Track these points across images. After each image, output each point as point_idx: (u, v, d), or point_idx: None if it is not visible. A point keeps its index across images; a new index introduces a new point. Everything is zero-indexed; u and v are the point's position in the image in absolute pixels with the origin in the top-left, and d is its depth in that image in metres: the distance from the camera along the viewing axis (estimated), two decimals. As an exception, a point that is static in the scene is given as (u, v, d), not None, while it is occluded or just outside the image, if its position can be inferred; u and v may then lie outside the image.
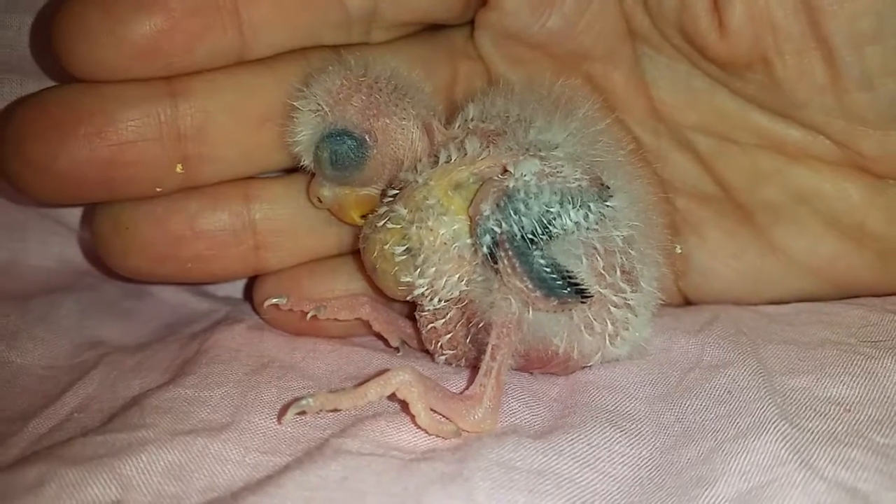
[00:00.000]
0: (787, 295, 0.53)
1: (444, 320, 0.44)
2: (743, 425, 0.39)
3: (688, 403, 0.42)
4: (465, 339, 0.45)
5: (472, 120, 0.45)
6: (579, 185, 0.41)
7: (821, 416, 0.40)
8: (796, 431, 0.39)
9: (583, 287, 0.41)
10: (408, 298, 0.45)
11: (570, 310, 0.42)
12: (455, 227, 0.42)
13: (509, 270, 0.40)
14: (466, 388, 0.43)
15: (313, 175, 0.48)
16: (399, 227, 0.43)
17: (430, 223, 0.42)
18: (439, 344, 0.46)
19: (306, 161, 0.47)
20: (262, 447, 0.40)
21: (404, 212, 0.43)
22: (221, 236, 0.50)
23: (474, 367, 0.45)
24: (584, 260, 0.41)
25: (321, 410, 0.40)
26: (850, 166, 0.50)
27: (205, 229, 0.50)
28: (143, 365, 0.50)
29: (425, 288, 0.43)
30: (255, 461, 0.39)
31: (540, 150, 0.42)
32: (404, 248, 0.43)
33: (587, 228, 0.40)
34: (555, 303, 0.41)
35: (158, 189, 0.48)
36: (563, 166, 0.41)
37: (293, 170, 0.50)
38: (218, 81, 0.48)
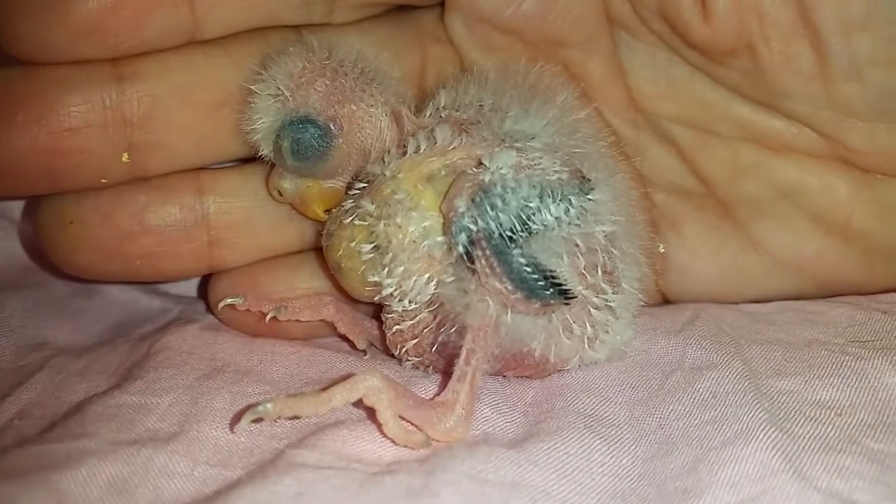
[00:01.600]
0: (768, 293, 0.51)
1: (411, 323, 0.41)
2: (730, 432, 0.37)
3: (670, 408, 0.40)
4: (430, 346, 0.42)
5: (443, 108, 0.42)
6: (559, 178, 0.38)
7: (811, 420, 0.38)
8: (787, 438, 0.36)
9: (566, 288, 0.38)
10: (375, 300, 0.42)
11: (552, 312, 0.39)
12: (425, 223, 0.39)
13: (487, 271, 0.37)
14: (438, 393, 0.40)
15: (272, 166, 0.45)
16: (366, 223, 0.40)
17: (398, 219, 0.39)
18: (404, 349, 0.43)
19: (265, 151, 0.44)
20: (211, 459, 0.37)
21: (371, 207, 0.40)
22: (172, 232, 0.47)
23: (446, 373, 0.42)
24: (566, 258, 0.38)
25: (279, 418, 0.37)
26: (836, 160, 0.48)
27: (154, 224, 0.46)
28: (91, 368, 0.47)
29: (393, 288, 0.40)
30: (204, 475, 0.36)
31: (516, 141, 0.39)
32: (371, 245, 0.40)
33: (568, 224, 0.38)
34: (537, 305, 0.38)
35: (104, 180, 0.45)
36: (540, 158, 0.38)
37: (250, 159, 0.47)
38: (168, 63, 0.44)
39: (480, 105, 0.42)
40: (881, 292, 0.51)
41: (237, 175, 0.48)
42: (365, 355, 0.47)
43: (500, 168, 0.38)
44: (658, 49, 0.48)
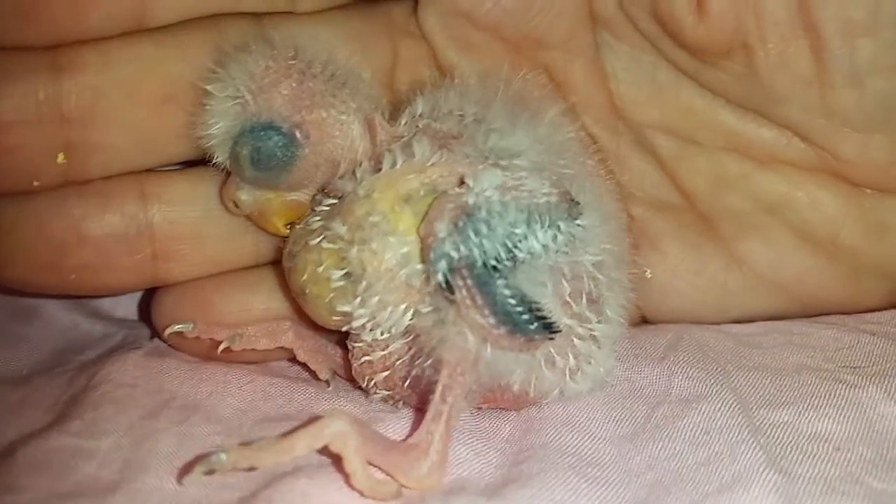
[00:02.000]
0: (751, 312, 0.49)
1: (382, 354, 0.38)
2: (727, 475, 0.34)
3: (660, 447, 0.37)
4: (402, 380, 0.38)
5: (420, 116, 0.39)
6: (548, 201, 0.35)
7: (810, 458, 0.36)
8: (787, 481, 0.34)
9: (551, 321, 0.34)
10: (343, 329, 0.39)
11: (536, 348, 0.35)
12: (403, 250, 0.36)
13: (468, 303, 0.34)
14: (409, 433, 0.37)
15: (228, 174, 0.41)
16: (336, 247, 0.36)
17: (373, 245, 0.35)
18: (373, 381, 0.39)
19: (220, 158, 0.40)
20: (155, 515, 0.33)
21: (343, 229, 0.36)
22: (111, 243, 0.42)
23: (418, 409, 0.39)
24: (550, 287, 0.35)
25: (234, 469, 0.33)
26: (825, 173, 0.45)
27: (92, 235, 0.42)
28: (26, 402, 0.43)
29: (366, 319, 0.36)
30: (148, 535, 0.32)
31: (501, 159, 0.36)
32: (342, 272, 0.36)
33: (556, 251, 0.35)
34: (521, 340, 0.34)
35: (36, 183, 0.41)
36: (526, 178, 0.35)
37: (199, 161, 0.43)
38: (111, 53, 0.40)
39: (461, 115, 0.38)
40: (865, 311, 0.49)
41: (185, 180, 0.44)
42: (328, 386, 0.43)
43: (485, 189, 0.34)
44: (642, 51, 0.45)
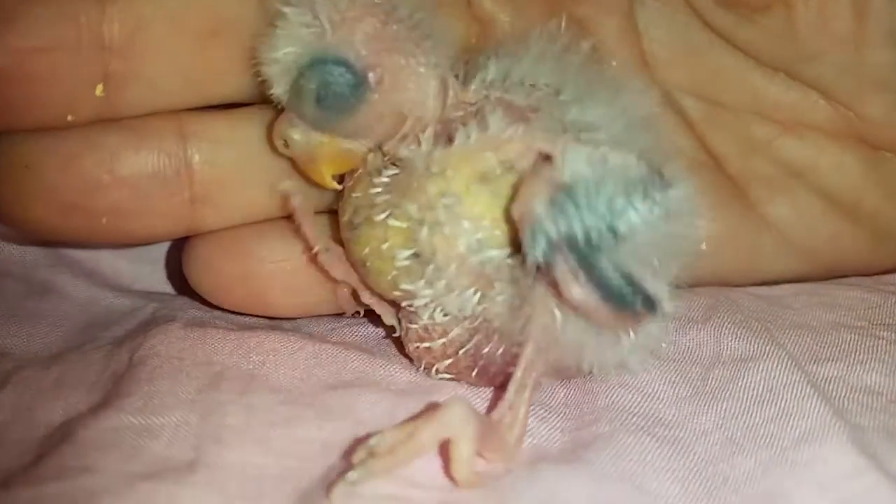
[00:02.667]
0: (777, 276, 0.50)
1: (443, 341, 0.37)
2: (799, 430, 0.35)
3: (724, 406, 0.38)
4: (470, 370, 0.37)
5: (493, 84, 0.37)
6: (640, 174, 0.33)
7: (870, 409, 0.37)
8: (857, 431, 0.35)
9: (654, 298, 0.34)
10: (402, 305, 0.38)
11: (640, 324, 0.34)
12: (478, 235, 0.34)
13: (570, 281, 0.32)
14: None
15: (281, 110, 0.38)
16: (404, 225, 0.35)
17: (446, 229, 0.34)
18: (434, 367, 0.38)
19: (278, 89, 0.36)
20: (245, 493, 0.32)
21: (413, 208, 0.35)
22: (147, 183, 0.40)
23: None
24: (651, 261, 0.34)
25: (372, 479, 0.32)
26: (849, 137, 0.46)
27: (126, 173, 0.39)
28: (64, 382, 0.41)
29: (429, 300, 0.36)
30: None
31: (580, 132, 0.35)
32: (410, 251, 0.35)
33: (652, 225, 0.33)
34: (626, 317, 0.33)
35: (70, 117, 0.38)
36: (609, 153, 0.33)
37: (238, 105, 0.41)
38: None
39: (533, 86, 0.37)
40: (883, 273, 0.50)
41: (226, 120, 0.42)
42: (394, 332, 0.41)
43: (576, 164, 0.33)
44: (676, 10, 0.46)
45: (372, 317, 0.43)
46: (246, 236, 0.43)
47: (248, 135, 0.41)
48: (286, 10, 0.35)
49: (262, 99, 0.39)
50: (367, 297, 0.41)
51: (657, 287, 0.34)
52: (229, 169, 0.41)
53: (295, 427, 0.36)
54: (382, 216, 0.35)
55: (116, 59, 0.37)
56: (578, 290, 0.32)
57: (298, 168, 0.39)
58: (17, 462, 0.35)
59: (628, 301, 0.33)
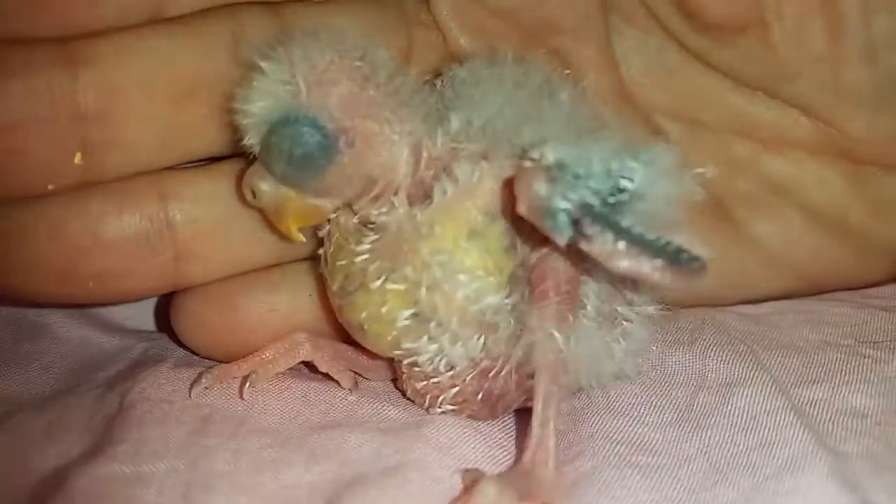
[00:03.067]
0: (764, 293, 0.50)
1: (450, 374, 0.37)
2: (781, 459, 0.35)
3: (709, 433, 0.38)
4: (475, 395, 0.38)
5: (455, 136, 0.37)
6: (620, 144, 0.33)
7: (854, 434, 0.37)
8: (839, 460, 0.35)
9: (694, 252, 0.32)
10: (404, 363, 0.38)
11: (700, 280, 0.32)
12: (475, 285, 0.35)
13: (613, 247, 0.30)
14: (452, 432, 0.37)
15: (252, 160, 0.38)
16: (402, 287, 0.35)
17: (445, 287, 0.35)
18: (440, 399, 0.38)
19: (251, 140, 0.36)
20: (231, 539, 0.33)
21: (409, 270, 0.35)
22: (131, 246, 0.41)
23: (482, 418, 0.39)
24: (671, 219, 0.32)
25: None
26: (831, 153, 0.47)
27: (111, 238, 0.40)
28: (55, 426, 0.41)
29: (433, 354, 0.36)
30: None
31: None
32: (409, 312, 0.35)
33: (654, 181, 0.32)
34: (685, 273, 0.31)
35: (51, 186, 0.39)
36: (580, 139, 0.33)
37: (215, 159, 0.42)
38: (127, 45, 0.38)
39: (494, 129, 0.36)
40: (869, 287, 0.51)
41: (206, 177, 0.42)
42: (351, 393, 0.43)
43: (556, 151, 0.32)
44: (651, 34, 0.46)
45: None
46: (231, 288, 0.43)
47: (227, 189, 0.42)
48: (264, 64, 0.35)
49: (239, 152, 0.40)
50: (323, 367, 0.42)
51: (687, 241, 0.32)
52: (211, 224, 0.42)
53: (282, 471, 0.36)
54: (379, 282, 0.36)
55: (93, 126, 0.38)
56: (625, 259, 0.31)
57: (265, 217, 0.40)
58: (10, 513, 0.35)
59: (680, 253, 0.31)
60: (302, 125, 0.35)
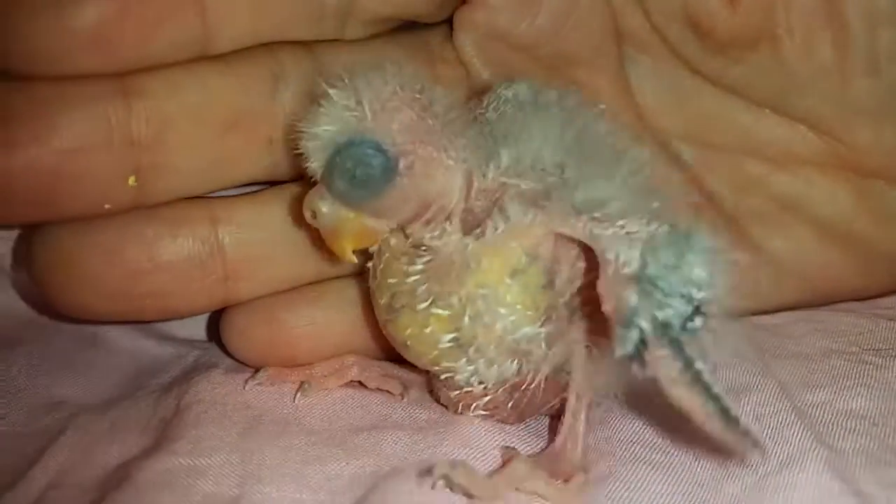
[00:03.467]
0: (776, 305, 0.53)
1: (483, 385, 0.40)
2: (782, 455, 0.38)
3: (717, 433, 0.41)
4: (505, 403, 0.41)
5: (505, 171, 0.39)
6: (667, 231, 0.35)
7: (851, 433, 0.40)
8: (836, 456, 0.38)
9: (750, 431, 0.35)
10: (441, 377, 0.42)
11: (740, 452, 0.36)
12: (513, 318, 0.38)
13: (672, 382, 0.33)
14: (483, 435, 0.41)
15: (313, 184, 0.40)
16: (446, 313, 0.38)
17: (486, 319, 0.38)
18: (473, 406, 0.42)
19: (314, 163, 0.39)
20: (282, 522, 0.36)
21: (455, 300, 0.38)
22: (185, 267, 0.44)
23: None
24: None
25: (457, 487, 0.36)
26: (838, 167, 0.49)
27: (166, 260, 0.44)
28: (117, 426, 0.45)
29: (470, 374, 0.40)
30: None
31: (592, 211, 0.36)
32: (451, 335, 0.39)
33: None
34: (736, 435, 0.35)
35: (107, 206, 0.42)
36: (625, 223, 0.35)
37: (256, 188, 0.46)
38: (177, 80, 0.42)
39: (543, 169, 0.39)
40: (875, 297, 0.53)
41: (250, 204, 0.46)
42: (402, 399, 0.46)
43: (622, 251, 0.34)
44: (664, 62, 0.49)
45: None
46: (275, 304, 0.47)
47: (271, 215, 0.45)
48: (332, 91, 0.38)
49: (282, 178, 0.44)
50: (372, 385, 0.46)
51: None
52: (257, 247, 0.45)
53: (326, 464, 0.40)
54: (425, 305, 0.38)
55: (145, 152, 0.41)
56: (684, 390, 0.34)
57: (321, 240, 0.42)
58: (78, 501, 0.39)
59: (733, 418, 0.34)
60: (366, 147, 0.37)
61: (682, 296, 0.33)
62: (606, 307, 0.35)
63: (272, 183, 0.47)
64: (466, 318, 0.38)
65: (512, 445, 0.41)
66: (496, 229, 0.38)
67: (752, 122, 0.49)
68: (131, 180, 0.41)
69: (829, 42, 0.45)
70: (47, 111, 0.40)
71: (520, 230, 0.38)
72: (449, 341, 0.39)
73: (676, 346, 0.33)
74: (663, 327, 0.33)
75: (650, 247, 0.34)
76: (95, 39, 0.39)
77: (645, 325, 0.33)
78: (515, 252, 0.38)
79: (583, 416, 0.38)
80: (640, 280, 0.34)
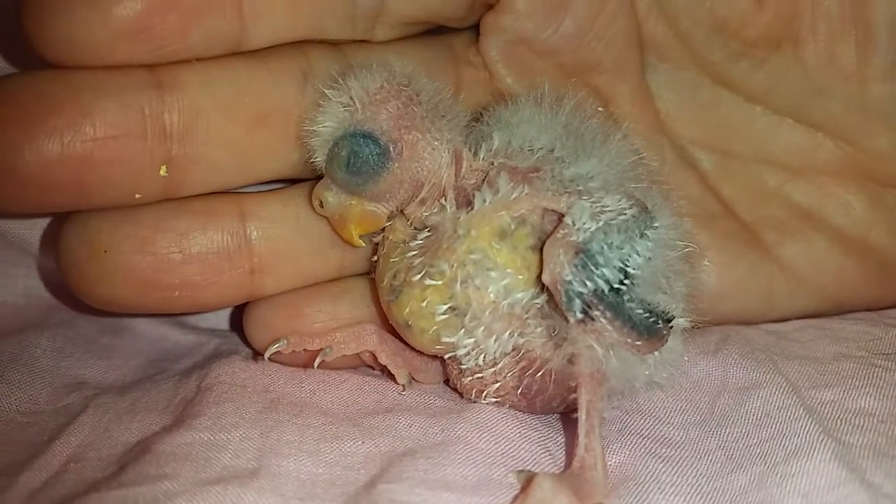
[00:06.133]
0: (791, 313, 0.53)
1: (493, 370, 0.42)
2: (790, 447, 0.39)
3: (728, 430, 0.42)
4: (515, 389, 0.42)
5: (496, 152, 0.42)
6: (632, 215, 0.39)
7: (859, 429, 0.41)
8: (843, 448, 0.39)
9: (671, 315, 0.39)
10: (446, 357, 0.43)
11: (665, 343, 0.40)
12: (504, 282, 0.40)
13: (609, 328, 0.38)
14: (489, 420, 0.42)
15: (320, 177, 0.44)
16: (440, 283, 0.40)
17: (477, 282, 0.40)
18: (484, 393, 0.43)
19: (318, 158, 0.43)
20: (298, 493, 0.37)
21: (446, 267, 0.40)
22: (214, 260, 0.45)
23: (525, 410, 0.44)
24: (657, 286, 0.39)
25: None
26: (854, 176, 0.50)
27: (197, 252, 0.44)
28: (138, 406, 0.46)
29: (471, 347, 0.41)
30: (297, 509, 0.36)
31: (578, 186, 0.40)
32: (447, 306, 0.40)
33: (649, 258, 0.39)
34: (657, 343, 0.39)
35: (138, 195, 0.43)
36: (603, 197, 0.39)
37: (285, 183, 0.47)
38: (210, 73, 0.43)
39: (531, 150, 0.42)
40: (888, 308, 0.54)
41: (278, 200, 0.47)
42: (403, 391, 0.47)
43: (584, 223, 0.38)
44: (684, 69, 0.50)
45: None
46: (298, 300, 0.48)
47: (297, 211, 0.46)
48: (328, 91, 0.42)
49: (304, 176, 0.45)
50: (383, 358, 0.47)
51: (667, 301, 0.40)
52: (283, 242, 0.46)
53: (342, 442, 0.41)
54: (419, 276, 0.41)
55: (177, 143, 0.42)
56: (617, 334, 0.38)
57: (332, 226, 0.45)
58: (100, 474, 0.40)
59: (657, 329, 0.39)
60: (360, 138, 0.42)
61: (615, 268, 0.38)
62: (545, 276, 0.38)
63: (299, 180, 0.48)
64: (458, 284, 0.40)
65: (512, 442, 0.42)
66: (485, 201, 0.41)
67: (770, 130, 0.50)
68: (162, 170, 0.42)
69: (851, 45, 0.46)
70: (83, 99, 0.40)
71: (507, 203, 0.40)
72: (445, 312, 0.40)
73: (611, 308, 0.37)
74: (596, 294, 0.37)
75: (606, 224, 0.38)
76: (137, 29, 0.40)
77: (581, 289, 0.37)
78: (503, 218, 0.40)
79: (597, 433, 0.39)
80: (583, 252, 0.37)
